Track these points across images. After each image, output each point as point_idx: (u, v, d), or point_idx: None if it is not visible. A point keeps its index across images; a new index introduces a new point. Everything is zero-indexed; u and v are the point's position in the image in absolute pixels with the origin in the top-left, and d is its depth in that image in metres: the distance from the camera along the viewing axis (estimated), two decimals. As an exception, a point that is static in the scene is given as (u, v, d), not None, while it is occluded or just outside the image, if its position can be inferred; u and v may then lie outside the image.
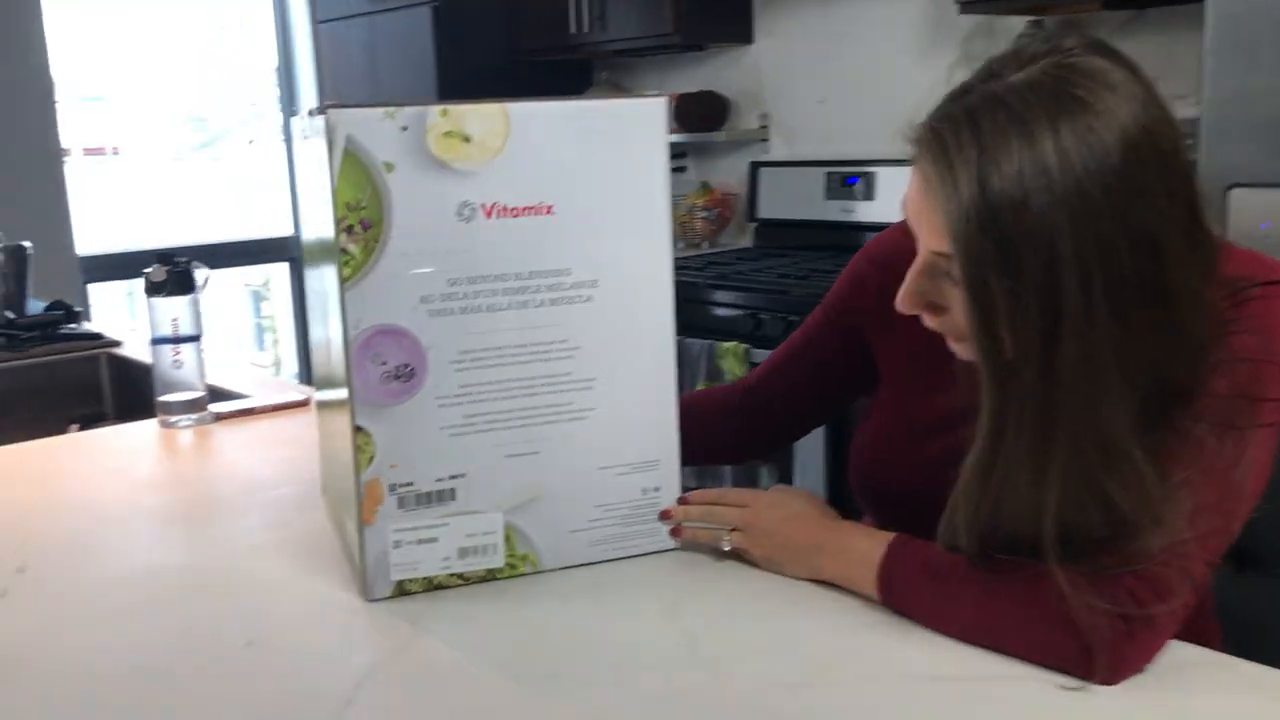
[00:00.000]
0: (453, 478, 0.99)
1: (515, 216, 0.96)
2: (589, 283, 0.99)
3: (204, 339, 1.60)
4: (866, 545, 0.97)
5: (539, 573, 1.03)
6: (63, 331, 2.22)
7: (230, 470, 1.42)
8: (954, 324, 0.90)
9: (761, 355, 2.61)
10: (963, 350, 0.92)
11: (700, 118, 3.40)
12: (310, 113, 0.97)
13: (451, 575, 1.00)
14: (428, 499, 0.98)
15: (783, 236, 3.31)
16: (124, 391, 2.16)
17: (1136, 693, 0.81)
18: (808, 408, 1.26)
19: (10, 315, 2.19)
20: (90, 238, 3.76)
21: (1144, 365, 0.82)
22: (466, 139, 0.94)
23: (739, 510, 1.05)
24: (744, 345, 2.62)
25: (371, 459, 0.96)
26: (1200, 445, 0.85)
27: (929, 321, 0.93)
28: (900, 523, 0.99)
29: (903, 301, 0.91)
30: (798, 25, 3.28)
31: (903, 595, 0.93)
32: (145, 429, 1.60)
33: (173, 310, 1.56)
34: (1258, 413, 0.87)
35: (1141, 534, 0.83)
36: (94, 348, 2.18)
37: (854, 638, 0.91)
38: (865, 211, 3.06)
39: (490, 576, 1.01)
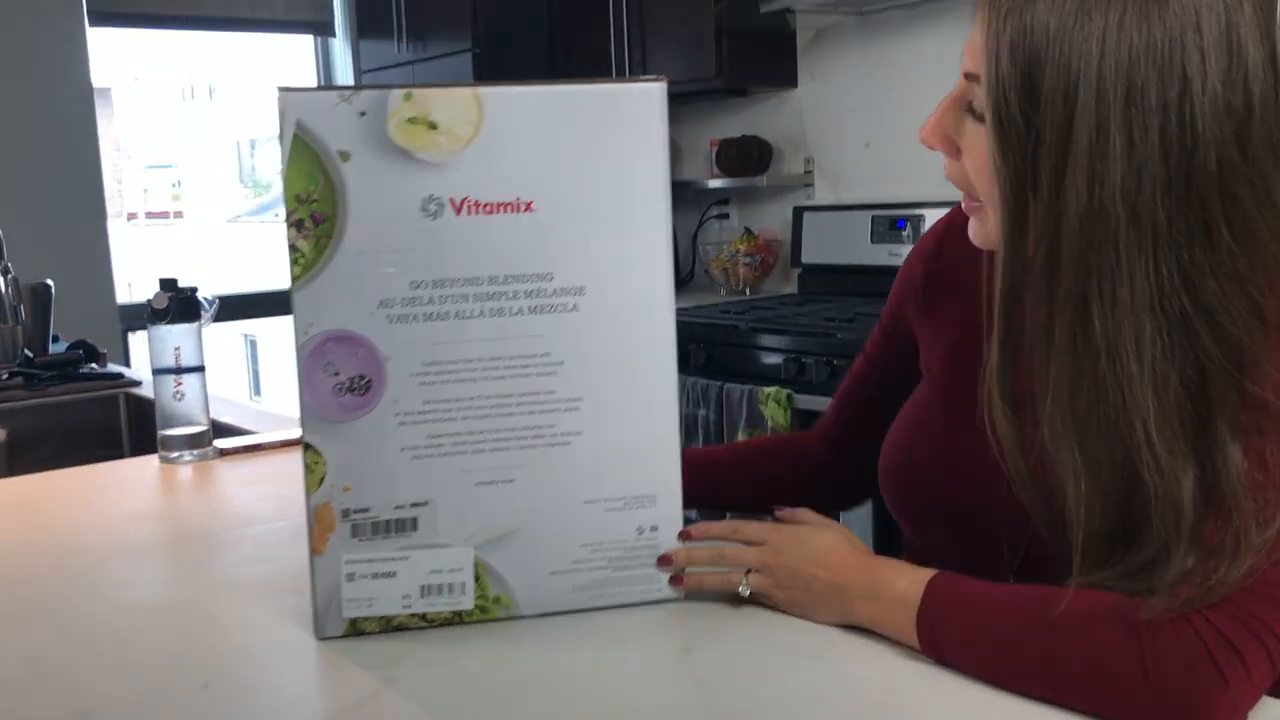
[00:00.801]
0: (414, 505, 0.87)
1: (490, 213, 0.85)
2: (575, 289, 0.88)
3: (209, 371, 1.53)
4: (903, 584, 0.84)
5: (513, 618, 0.91)
6: (83, 371, 2.17)
7: (225, 506, 1.34)
8: (965, 173, 0.84)
9: (805, 400, 2.50)
10: (972, 223, 0.86)
11: (743, 163, 3.33)
12: None
13: (413, 616, 0.89)
14: (385, 528, 0.87)
15: (827, 282, 3.21)
16: (143, 432, 2.10)
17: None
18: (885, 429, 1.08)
19: (29, 354, 2.15)
20: (138, 289, 3.76)
21: (1160, 273, 0.70)
22: (433, 126, 0.84)
23: (756, 550, 0.92)
24: (786, 390, 2.51)
25: (322, 480, 0.86)
26: (1264, 463, 0.72)
27: (946, 169, 0.87)
28: (927, 525, 0.90)
29: (927, 129, 0.86)
30: (842, 68, 3.21)
31: (947, 642, 0.80)
32: (145, 464, 1.52)
33: (175, 339, 1.49)
34: None
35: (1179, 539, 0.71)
36: (112, 387, 2.13)
37: (889, 695, 0.79)
38: (913, 256, 2.96)
39: (457, 619, 0.89)
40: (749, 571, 0.92)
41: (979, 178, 0.82)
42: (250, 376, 4.96)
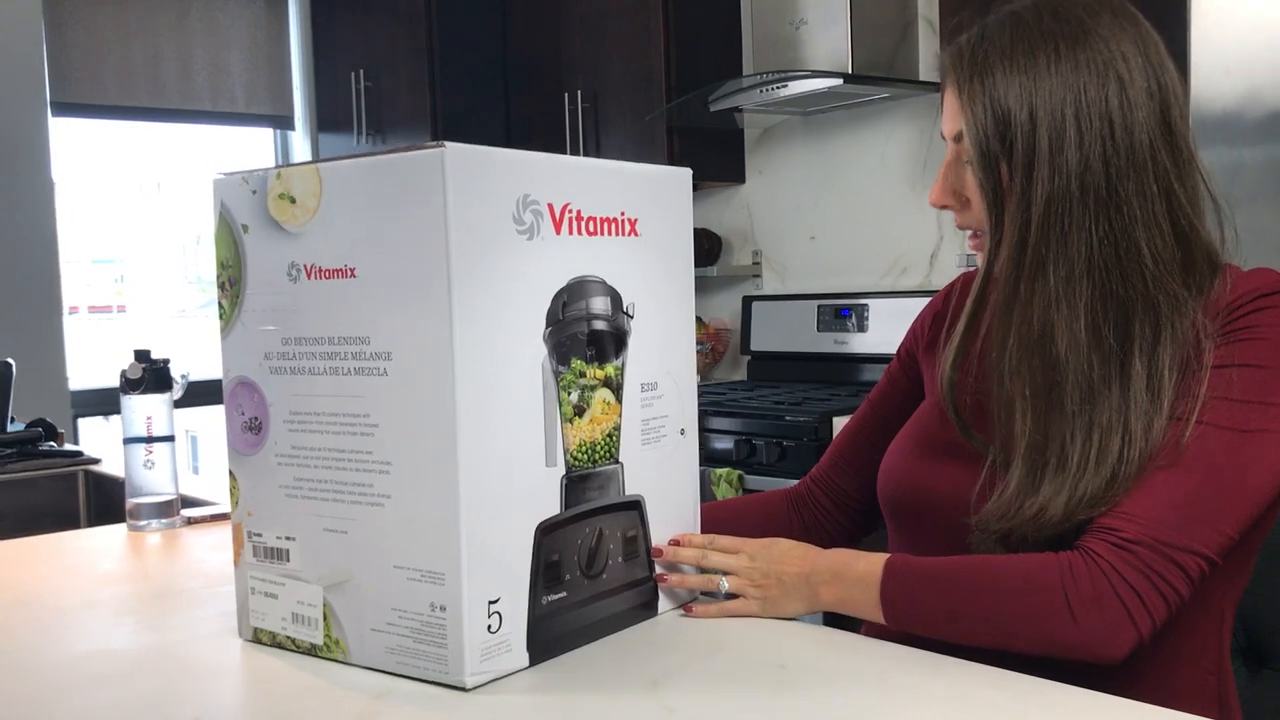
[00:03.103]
0: (287, 538, 0.98)
1: (327, 279, 0.93)
2: (384, 354, 0.90)
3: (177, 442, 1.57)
4: (862, 565, 0.99)
5: (348, 664, 0.95)
6: (42, 449, 2.18)
7: (197, 568, 1.36)
8: (972, 217, 1.04)
9: (755, 480, 2.57)
10: (982, 257, 1.03)
11: (694, 254, 3.44)
12: None
13: (288, 638, 0.99)
14: (271, 554, 0.99)
15: (776, 369, 3.30)
16: (101, 509, 2.11)
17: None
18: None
19: (-11, 431, 2.16)
20: (88, 377, 3.76)
21: (1100, 230, 0.93)
22: (292, 200, 0.94)
23: (734, 556, 1.05)
24: (738, 471, 2.58)
25: (238, 503, 1.00)
26: (1200, 441, 0.91)
27: (957, 220, 1.06)
28: (914, 532, 1.08)
29: (935, 193, 1.05)
30: (788, 165, 3.35)
31: (907, 609, 0.95)
32: (113, 532, 1.55)
33: (147, 409, 1.53)
34: (1267, 417, 0.92)
35: (1106, 487, 0.92)
36: (72, 465, 2.14)
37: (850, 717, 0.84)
38: (859, 343, 3.06)
39: (313, 652, 0.97)
40: (726, 575, 1.05)
41: (981, 212, 1.02)
42: (190, 469, 4.96)
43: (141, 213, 4.60)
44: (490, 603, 0.90)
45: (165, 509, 1.55)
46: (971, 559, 0.97)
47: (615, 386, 1.02)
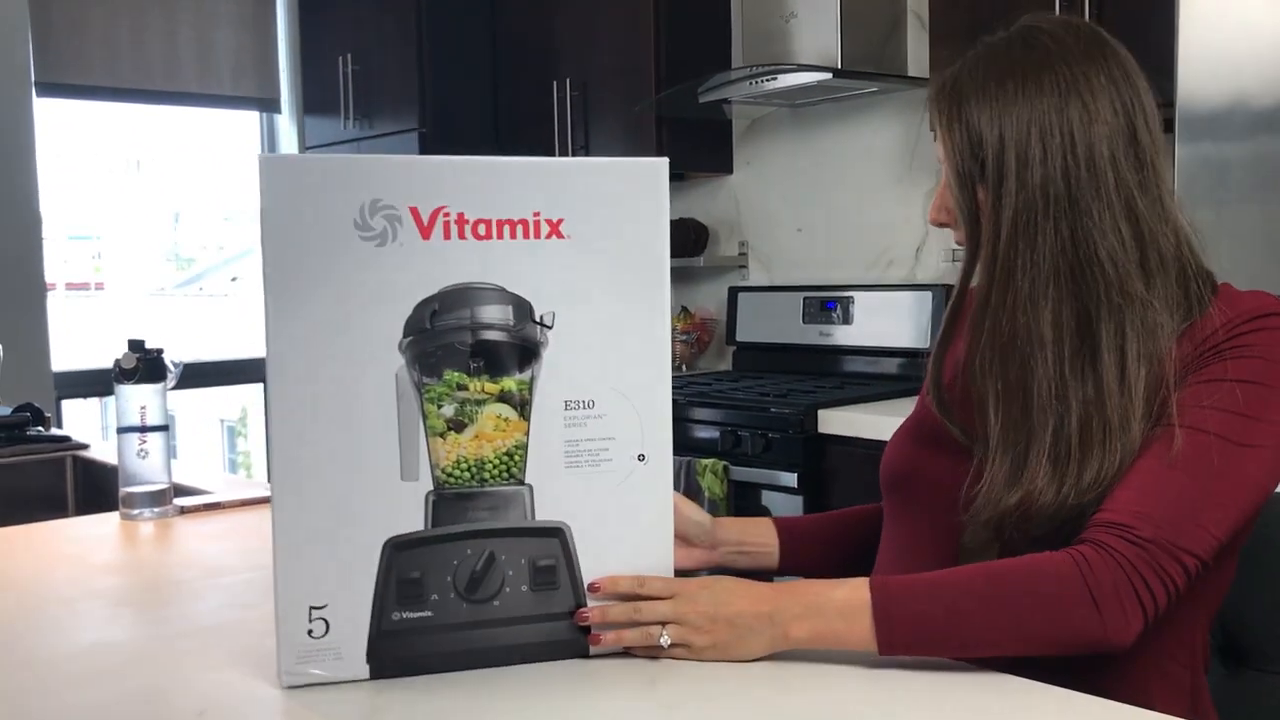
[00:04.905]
0: None
1: None
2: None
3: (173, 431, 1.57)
4: (841, 594, 0.93)
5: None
6: (30, 434, 2.18)
7: (191, 559, 1.37)
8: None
9: (740, 472, 2.58)
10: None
11: (681, 244, 3.45)
12: None
13: None
14: None
15: (760, 360, 3.32)
16: (89, 495, 2.11)
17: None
18: None
19: (-24, 415, 2.15)
20: (68, 357, 3.74)
21: (1061, 234, 1.00)
22: None
23: (669, 602, 0.95)
24: (723, 462, 2.60)
25: None
26: (1193, 447, 0.94)
27: (955, 236, 1.09)
28: (909, 513, 1.12)
29: (932, 211, 1.10)
30: (775, 157, 3.36)
31: (910, 630, 0.92)
32: (105, 520, 1.55)
33: (141, 398, 1.53)
34: (1260, 432, 0.95)
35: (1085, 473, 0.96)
36: (60, 450, 2.14)
37: (844, 710, 0.86)
38: (843, 335, 3.08)
39: None
40: (665, 624, 0.95)
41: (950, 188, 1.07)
42: (229, 468, 4.94)
43: (120, 190, 4.56)
44: (313, 608, 0.91)
45: (158, 498, 1.56)
46: (969, 568, 0.96)
47: (518, 403, 0.95)
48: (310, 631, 0.91)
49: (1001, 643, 0.92)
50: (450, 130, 3.64)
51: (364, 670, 0.93)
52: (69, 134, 4.01)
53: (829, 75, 2.77)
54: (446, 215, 0.92)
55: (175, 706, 0.89)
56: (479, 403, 0.94)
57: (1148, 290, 1.00)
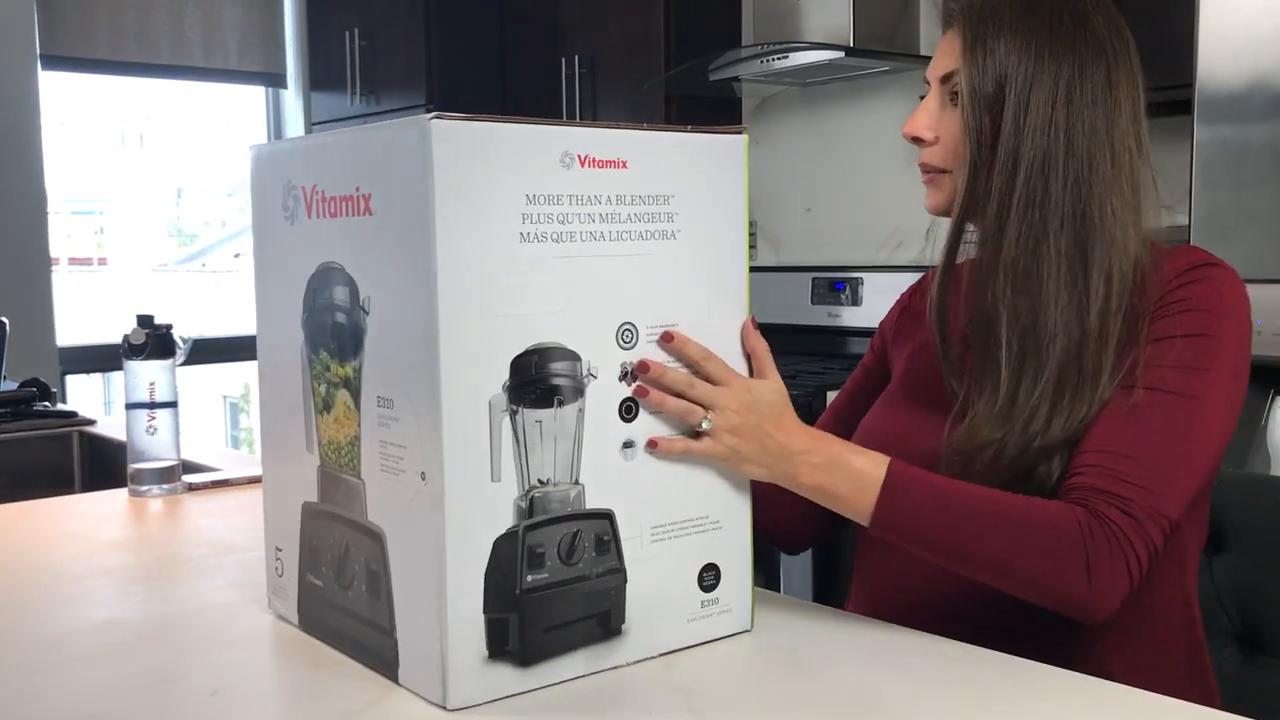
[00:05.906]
0: None
1: None
2: None
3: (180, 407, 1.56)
4: (860, 462, 0.97)
5: None
6: (36, 409, 2.17)
7: (201, 535, 1.37)
8: (937, 154, 1.08)
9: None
10: (932, 193, 1.10)
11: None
12: None
13: None
14: None
15: (769, 341, 3.28)
16: (95, 471, 2.10)
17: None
18: None
19: (-17, 390, 2.15)
20: (71, 333, 3.73)
21: (1067, 184, 1.01)
22: None
23: (723, 391, 0.93)
24: (730, 443, 2.58)
25: None
26: (1156, 408, 0.96)
27: (922, 156, 1.10)
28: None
29: (917, 124, 1.08)
30: (785, 136, 3.34)
31: (906, 522, 0.95)
32: (114, 497, 1.54)
33: (150, 374, 1.52)
34: (1208, 384, 0.97)
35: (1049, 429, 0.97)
36: (66, 425, 2.13)
37: (863, 693, 0.85)
38: (851, 316, 3.07)
39: None
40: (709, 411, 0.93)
41: (950, 151, 1.07)
42: (232, 445, 4.93)
43: (124, 164, 4.54)
44: (276, 549, 1.02)
45: (167, 474, 1.55)
46: (988, 491, 0.96)
47: (354, 390, 0.88)
48: (276, 569, 1.03)
49: (988, 564, 0.94)
50: (457, 107, 3.59)
51: (295, 617, 1.00)
52: (73, 108, 3.99)
53: (840, 54, 2.74)
54: (316, 193, 0.90)
55: (189, 685, 0.88)
56: (336, 386, 0.91)
57: (1141, 250, 1.03)
